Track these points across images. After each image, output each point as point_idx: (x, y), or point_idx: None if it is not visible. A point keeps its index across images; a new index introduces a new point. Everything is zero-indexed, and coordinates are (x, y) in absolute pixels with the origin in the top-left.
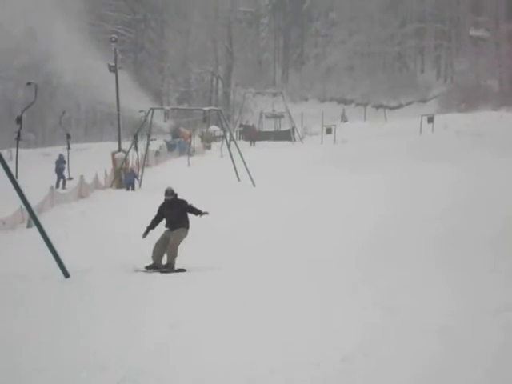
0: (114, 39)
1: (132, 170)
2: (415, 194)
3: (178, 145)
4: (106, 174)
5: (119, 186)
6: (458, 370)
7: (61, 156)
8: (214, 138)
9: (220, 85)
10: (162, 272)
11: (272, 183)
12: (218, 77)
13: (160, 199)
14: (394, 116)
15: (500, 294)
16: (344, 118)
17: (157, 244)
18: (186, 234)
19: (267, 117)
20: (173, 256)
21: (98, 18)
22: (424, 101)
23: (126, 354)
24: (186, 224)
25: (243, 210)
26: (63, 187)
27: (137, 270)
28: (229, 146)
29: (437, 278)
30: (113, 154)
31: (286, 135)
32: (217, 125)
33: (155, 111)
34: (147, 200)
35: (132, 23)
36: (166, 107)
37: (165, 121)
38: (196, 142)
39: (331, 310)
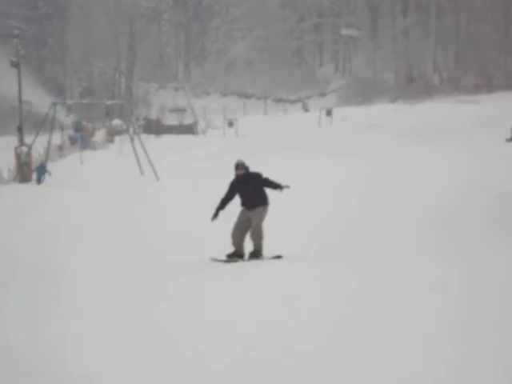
0: (15, 34)
1: (42, 164)
2: (320, 185)
3: (81, 139)
4: (8, 169)
5: (22, 181)
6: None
7: None
8: (118, 132)
9: (123, 79)
10: (250, 259)
11: (176, 176)
12: (121, 71)
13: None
14: (294, 109)
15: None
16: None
17: (236, 228)
18: (266, 212)
19: (170, 111)
20: (259, 239)
21: (1, 15)
22: (323, 94)
23: None
24: (265, 201)
25: (148, 204)
26: None
27: (214, 260)
28: (132, 139)
29: None
30: (16, 149)
31: (189, 129)
32: (120, 119)
33: (58, 106)
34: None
35: (35, 19)
36: (69, 102)
37: (67, 115)
38: (99, 135)
39: None
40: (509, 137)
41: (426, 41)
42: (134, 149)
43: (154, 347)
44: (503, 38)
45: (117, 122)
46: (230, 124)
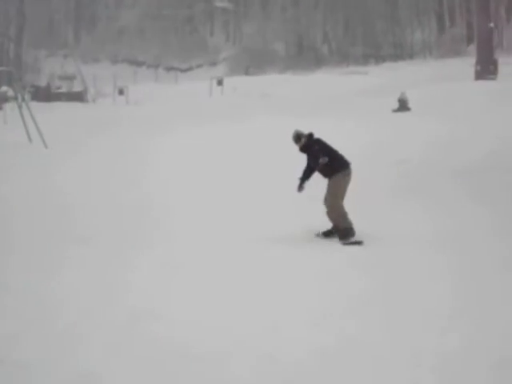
0: None
1: None
2: (220, 152)
3: None
4: None
5: None
6: None
7: None
8: (6, 99)
9: (11, 45)
10: (326, 236)
11: (65, 143)
12: (9, 37)
13: None
14: (185, 78)
15: None
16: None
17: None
18: (335, 186)
19: (60, 78)
20: (333, 219)
21: None
22: (214, 63)
23: None
24: (329, 173)
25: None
26: None
27: (317, 235)
28: (20, 106)
29: None
30: None
31: (79, 96)
32: (8, 86)
33: None
34: None
35: None
36: None
37: None
38: None
39: None
40: (395, 108)
41: (315, 11)
42: (21, 116)
43: None
44: (391, 9)
45: (5, 89)
46: (121, 92)
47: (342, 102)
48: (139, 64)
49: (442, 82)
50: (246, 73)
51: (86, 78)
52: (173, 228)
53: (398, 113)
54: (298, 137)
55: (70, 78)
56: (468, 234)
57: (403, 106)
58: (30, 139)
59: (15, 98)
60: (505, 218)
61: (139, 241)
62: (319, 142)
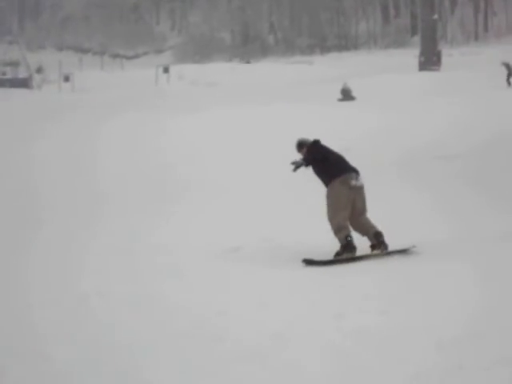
0: None
1: None
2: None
3: None
4: None
5: None
6: None
7: None
8: None
9: None
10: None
11: (7, 130)
12: None
13: None
14: (131, 66)
15: None
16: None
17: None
18: (331, 195)
19: (4, 64)
20: (334, 233)
21: None
22: (160, 51)
23: None
24: (326, 181)
25: None
26: None
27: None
28: None
29: None
30: None
31: (24, 83)
32: None
33: None
34: None
35: None
36: None
37: None
38: None
39: None
40: (340, 97)
41: (261, 1)
42: None
43: None
44: None
45: None
46: (66, 79)
47: (287, 90)
48: (85, 51)
49: (386, 73)
50: (192, 61)
51: (31, 64)
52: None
53: (343, 102)
54: (299, 145)
55: (15, 65)
56: (409, 220)
57: (347, 95)
58: None
59: None
60: (444, 204)
61: None
62: (322, 148)
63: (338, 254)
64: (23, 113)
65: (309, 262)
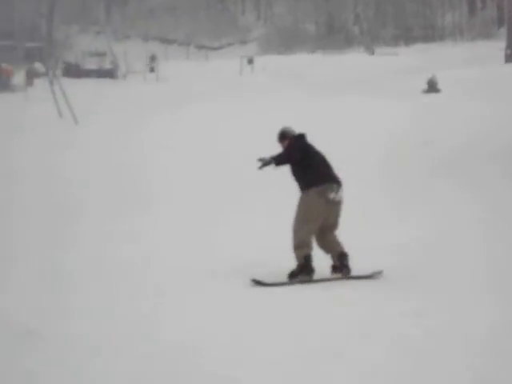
0: None
1: None
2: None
3: None
4: None
5: None
6: None
7: None
8: (37, 75)
9: (43, 21)
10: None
11: (96, 120)
12: (41, 14)
13: None
14: (216, 56)
15: None
16: (153, 59)
17: None
18: (304, 205)
19: (90, 54)
20: (294, 248)
21: None
22: (244, 42)
23: None
24: (303, 186)
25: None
26: None
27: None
28: (51, 82)
29: None
30: None
31: (109, 73)
32: (40, 62)
33: None
34: None
35: None
36: None
37: None
38: (18, 78)
39: None
40: (425, 89)
41: None
42: (52, 92)
43: None
44: None
45: (36, 64)
46: (151, 69)
47: (372, 82)
48: (170, 42)
49: (472, 65)
50: (276, 52)
51: (116, 54)
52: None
53: (428, 94)
54: (282, 135)
55: (101, 55)
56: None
57: (432, 87)
58: (60, 115)
59: (46, 74)
60: None
61: None
62: (307, 146)
63: (292, 274)
64: (107, 102)
65: (257, 283)
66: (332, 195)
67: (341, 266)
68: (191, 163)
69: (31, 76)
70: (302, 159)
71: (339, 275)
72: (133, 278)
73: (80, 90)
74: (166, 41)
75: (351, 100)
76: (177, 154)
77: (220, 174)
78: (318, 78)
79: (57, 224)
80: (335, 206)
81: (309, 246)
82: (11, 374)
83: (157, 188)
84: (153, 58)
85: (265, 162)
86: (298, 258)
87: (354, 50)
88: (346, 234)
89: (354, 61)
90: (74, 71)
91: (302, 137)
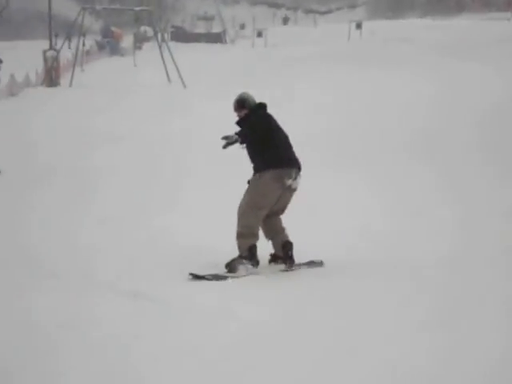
0: None
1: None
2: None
3: (108, 45)
4: (36, 72)
5: (50, 85)
6: None
7: None
8: (146, 39)
9: None
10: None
11: (203, 84)
12: None
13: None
14: (324, 21)
15: None
16: (285, 21)
17: None
18: (257, 188)
19: (199, 19)
20: (237, 235)
21: None
22: (353, 7)
23: None
24: (259, 166)
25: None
26: None
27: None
28: (160, 46)
29: None
30: (44, 52)
31: (218, 37)
32: (148, 25)
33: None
34: (75, 98)
35: None
36: (98, 7)
37: (96, 20)
38: (127, 42)
39: None
40: None
41: None
42: (161, 56)
43: None
44: None
45: (144, 28)
46: (259, 34)
47: (483, 47)
48: (278, 6)
49: None
50: (385, 17)
51: (224, 19)
52: None
53: None
54: (239, 103)
55: (209, 19)
56: None
57: None
58: (169, 79)
59: (155, 38)
60: None
61: None
62: (269, 118)
63: (232, 266)
64: (215, 67)
65: (196, 277)
66: (289, 182)
67: (285, 257)
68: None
69: (140, 40)
70: (263, 135)
71: (282, 267)
72: None
73: (188, 54)
74: (274, 5)
75: (466, 66)
76: (291, 117)
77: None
78: (429, 43)
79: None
80: (290, 192)
81: (255, 236)
82: (119, 336)
83: None
84: (285, 20)
85: (229, 141)
86: (240, 247)
87: (463, 17)
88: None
89: (466, 26)
90: (183, 35)
91: (263, 107)
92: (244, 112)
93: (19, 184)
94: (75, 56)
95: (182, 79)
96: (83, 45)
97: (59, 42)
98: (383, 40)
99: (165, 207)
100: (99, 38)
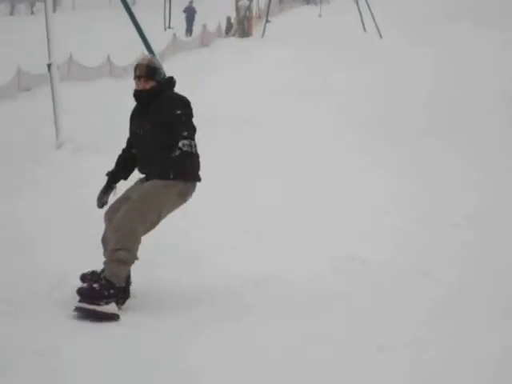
0: None
1: None
2: None
3: None
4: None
5: (242, 35)
6: None
7: (191, 3)
8: None
9: None
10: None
11: (398, 33)
12: None
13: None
14: None
15: None
16: None
17: (106, 214)
18: (161, 201)
19: None
20: (114, 259)
21: None
22: None
23: None
24: (166, 171)
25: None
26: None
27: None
28: None
29: None
30: (236, 2)
31: None
32: None
33: None
34: (270, 49)
35: None
36: None
37: None
38: None
39: None
40: None
41: None
42: (357, 5)
43: None
44: None
45: None
46: None
47: None
48: None
49: None
50: None
51: None
52: None
53: None
54: (151, 71)
55: None
56: None
57: None
58: (364, 29)
59: None
60: None
61: None
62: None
63: (100, 294)
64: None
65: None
66: (189, 198)
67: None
68: None
69: None
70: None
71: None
72: None
73: (380, 4)
74: None
75: None
76: None
77: None
78: None
79: None
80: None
81: (133, 261)
82: None
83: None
84: None
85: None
86: (116, 275)
87: None
88: None
89: None
90: None
91: (174, 85)
92: (151, 85)
93: None
94: (268, 5)
95: (378, 29)
96: None
97: None
98: None
99: None
100: None
